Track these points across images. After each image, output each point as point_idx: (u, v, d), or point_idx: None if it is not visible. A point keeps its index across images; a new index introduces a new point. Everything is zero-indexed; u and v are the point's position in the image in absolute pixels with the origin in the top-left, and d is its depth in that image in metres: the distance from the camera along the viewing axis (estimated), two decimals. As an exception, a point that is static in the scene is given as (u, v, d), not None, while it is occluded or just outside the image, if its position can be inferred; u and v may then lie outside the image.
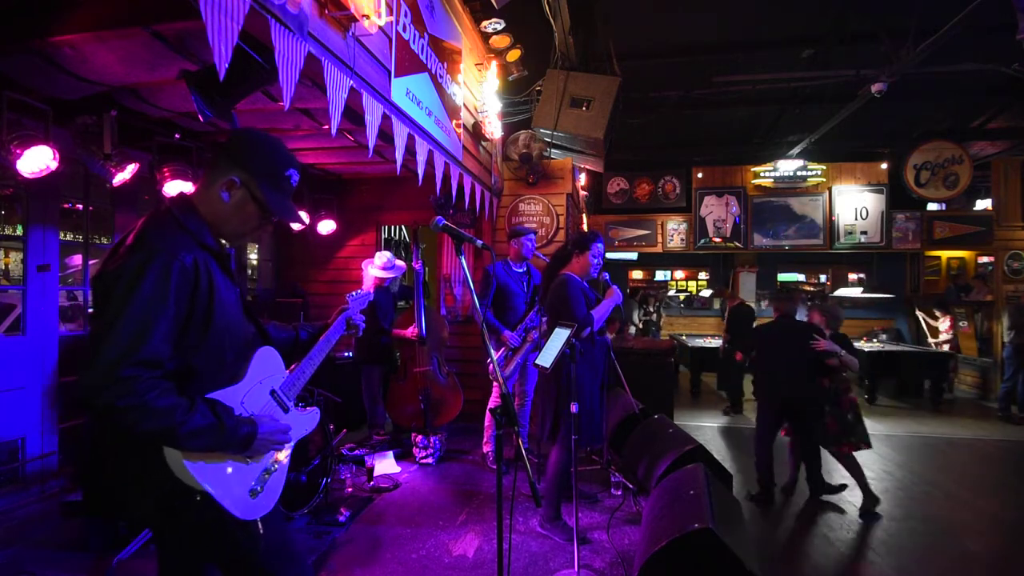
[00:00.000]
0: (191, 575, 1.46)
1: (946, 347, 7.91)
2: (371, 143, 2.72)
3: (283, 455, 1.48)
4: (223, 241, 1.44)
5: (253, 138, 1.43)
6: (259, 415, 1.38)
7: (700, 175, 8.89)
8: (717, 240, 8.82)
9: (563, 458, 2.95)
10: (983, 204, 9.52)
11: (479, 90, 4.71)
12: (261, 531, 1.35)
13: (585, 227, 7.89)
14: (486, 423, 4.26)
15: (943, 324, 8.24)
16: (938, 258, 9.86)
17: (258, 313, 1.56)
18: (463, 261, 1.79)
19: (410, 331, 4.29)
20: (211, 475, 1.24)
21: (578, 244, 3.08)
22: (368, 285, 4.31)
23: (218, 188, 1.37)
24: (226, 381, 1.34)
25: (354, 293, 1.89)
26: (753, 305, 10.71)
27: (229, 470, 1.30)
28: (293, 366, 1.58)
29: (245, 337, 1.44)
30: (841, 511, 3.64)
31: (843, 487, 3.84)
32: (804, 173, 8.58)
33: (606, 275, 3.19)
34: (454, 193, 4.09)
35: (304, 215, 4.94)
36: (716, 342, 7.81)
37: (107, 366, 1.12)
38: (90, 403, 1.13)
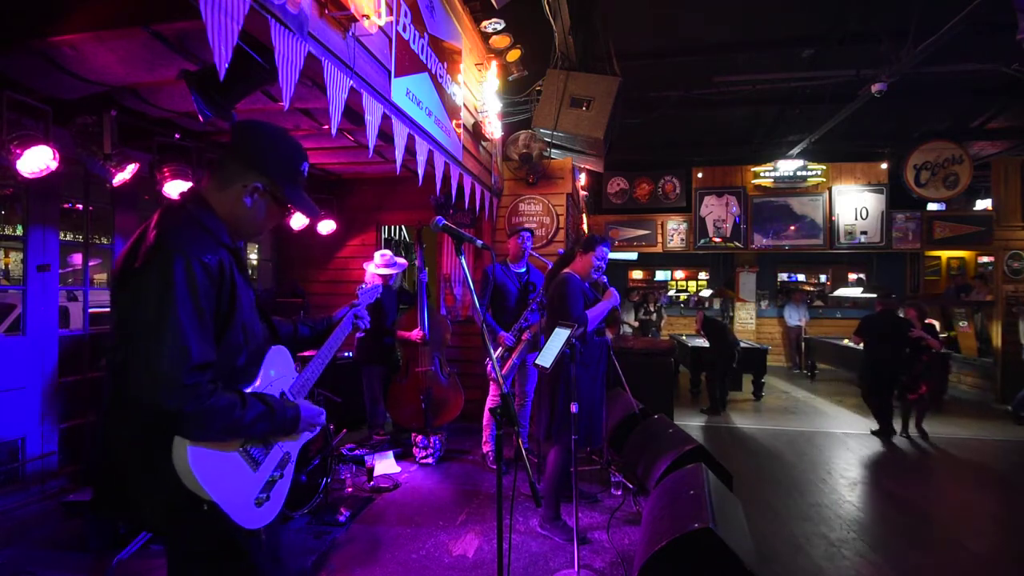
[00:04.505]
0: None
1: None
2: (371, 143, 2.72)
3: (292, 454, 1.48)
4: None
5: (267, 137, 1.39)
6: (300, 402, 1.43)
7: (700, 175, 8.90)
8: (717, 240, 8.82)
9: (562, 458, 2.95)
10: (983, 204, 9.52)
11: (479, 90, 4.71)
12: (264, 538, 1.34)
13: (585, 227, 7.90)
14: (485, 422, 4.26)
15: None
16: (938, 258, 9.87)
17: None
18: (463, 261, 1.79)
19: (415, 334, 4.29)
20: (218, 484, 1.23)
21: (584, 244, 3.11)
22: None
23: (238, 192, 1.34)
24: (238, 382, 1.33)
25: (363, 285, 1.90)
26: (753, 305, 10.78)
27: (236, 479, 1.28)
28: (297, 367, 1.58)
29: (260, 337, 1.43)
30: (841, 511, 3.64)
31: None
32: (804, 173, 8.59)
33: (604, 278, 3.20)
34: (454, 193, 4.09)
35: (303, 216, 4.93)
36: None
37: (168, 377, 1.13)
38: (159, 410, 1.15)
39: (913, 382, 5.46)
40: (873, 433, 5.64)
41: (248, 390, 1.34)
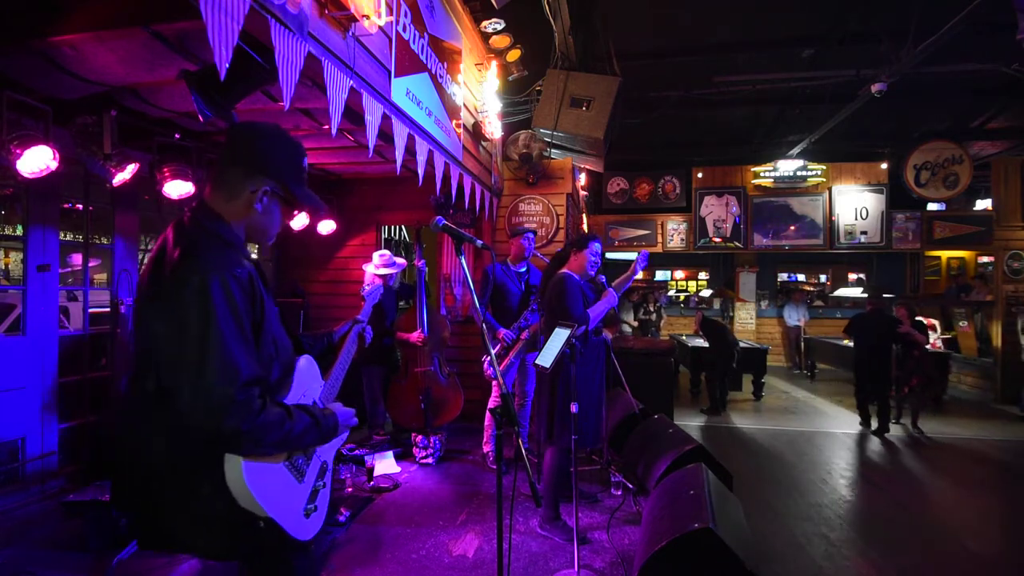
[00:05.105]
0: None
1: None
2: (371, 143, 2.72)
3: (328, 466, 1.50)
4: None
5: (268, 138, 1.36)
6: (334, 406, 1.45)
7: (700, 175, 8.90)
8: (717, 240, 8.82)
9: (559, 458, 2.96)
10: (983, 204, 9.52)
11: (479, 90, 4.71)
12: (313, 548, 1.35)
13: (585, 227, 7.90)
14: (486, 423, 4.26)
15: None
16: (938, 258, 9.87)
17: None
18: (463, 261, 1.79)
19: (415, 335, 4.29)
20: (272, 499, 1.23)
21: (576, 243, 3.13)
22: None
23: (248, 199, 1.31)
24: (275, 395, 1.32)
25: (365, 287, 1.92)
26: (753, 305, 10.79)
27: (286, 492, 1.29)
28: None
29: (289, 348, 1.41)
30: (841, 511, 3.64)
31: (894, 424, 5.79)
32: (804, 173, 8.59)
33: (602, 278, 3.21)
34: (454, 193, 4.09)
35: (305, 216, 4.94)
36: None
37: (222, 397, 1.11)
38: (215, 431, 1.13)
39: (905, 377, 5.82)
40: (862, 425, 5.86)
41: (282, 400, 1.33)
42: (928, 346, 7.67)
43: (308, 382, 1.45)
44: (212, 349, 1.12)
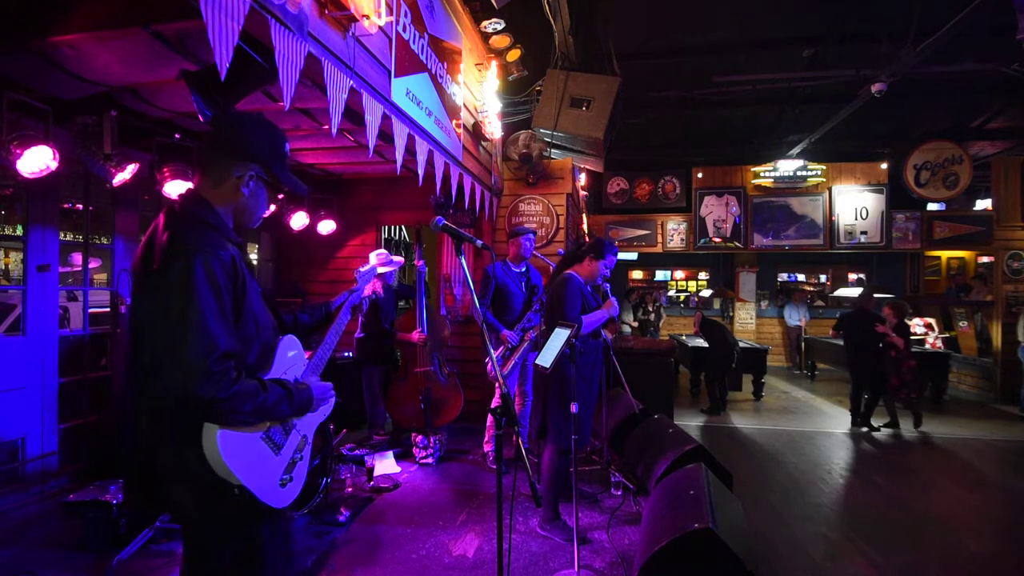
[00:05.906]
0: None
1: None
2: (371, 143, 2.72)
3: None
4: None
5: (251, 125, 1.45)
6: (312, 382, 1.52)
7: (700, 175, 8.90)
8: (717, 240, 8.83)
9: (556, 459, 2.96)
10: (983, 204, 9.52)
11: (479, 90, 4.71)
12: (285, 527, 1.40)
13: (585, 227, 7.89)
14: (488, 423, 4.26)
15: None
16: (938, 258, 9.87)
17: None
18: (463, 261, 1.79)
19: (414, 335, 4.29)
20: (246, 469, 1.29)
21: (594, 249, 3.06)
22: (374, 286, 4.36)
23: (235, 183, 1.40)
24: (255, 372, 1.38)
25: (361, 268, 2.04)
26: (753, 305, 10.79)
27: (261, 463, 1.35)
28: (308, 353, 1.64)
29: (270, 328, 1.47)
30: (841, 511, 3.64)
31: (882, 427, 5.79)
32: (804, 173, 8.59)
33: (607, 286, 3.18)
34: (454, 193, 4.09)
35: (304, 215, 4.94)
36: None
37: (199, 367, 1.19)
38: (190, 398, 1.20)
39: (885, 375, 5.82)
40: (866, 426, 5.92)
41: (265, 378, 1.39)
42: (928, 346, 7.72)
43: (291, 361, 1.52)
44: (192, 324, 1.20)
